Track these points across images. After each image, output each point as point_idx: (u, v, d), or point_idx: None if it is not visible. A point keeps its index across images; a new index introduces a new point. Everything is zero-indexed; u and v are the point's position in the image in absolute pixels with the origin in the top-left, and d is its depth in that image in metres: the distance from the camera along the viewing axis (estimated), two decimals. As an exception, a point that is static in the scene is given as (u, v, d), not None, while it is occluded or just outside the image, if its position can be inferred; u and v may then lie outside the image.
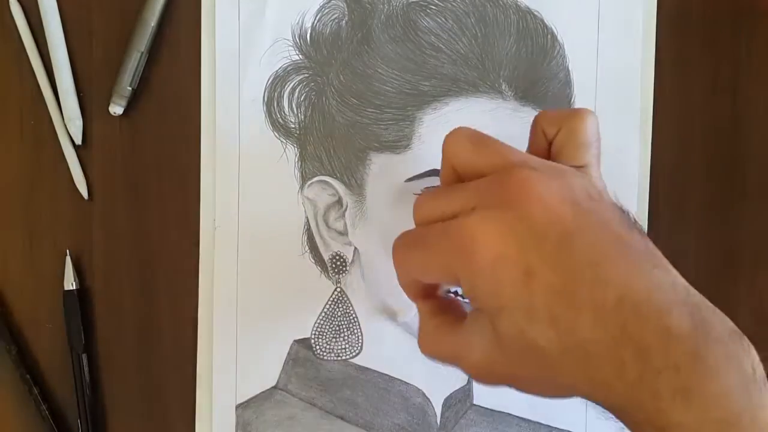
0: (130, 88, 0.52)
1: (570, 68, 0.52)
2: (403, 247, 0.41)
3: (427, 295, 0.42)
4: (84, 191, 0.53)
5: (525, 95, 0.52)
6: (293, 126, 0.52)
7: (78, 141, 0.53)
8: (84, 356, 0.53)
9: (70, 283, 0.53)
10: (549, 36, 0.52)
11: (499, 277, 0.35)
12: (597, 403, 0.36)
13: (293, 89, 0.52)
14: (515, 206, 0.36)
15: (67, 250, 0.53)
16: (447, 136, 0.41)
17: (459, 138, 0.41)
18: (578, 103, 0.52)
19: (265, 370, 0.52)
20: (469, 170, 0.39)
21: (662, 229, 0.52)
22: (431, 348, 0.42)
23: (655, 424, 0.33)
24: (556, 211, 0.35)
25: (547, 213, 0.35)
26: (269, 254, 0.52)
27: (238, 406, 0.52)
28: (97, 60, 0.53)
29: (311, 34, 0.52)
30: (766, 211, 0.54)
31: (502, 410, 0.53)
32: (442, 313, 0.41)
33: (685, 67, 0.53)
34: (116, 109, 0.52)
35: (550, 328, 0.34)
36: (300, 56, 0.52)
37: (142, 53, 0.52)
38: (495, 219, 0.36)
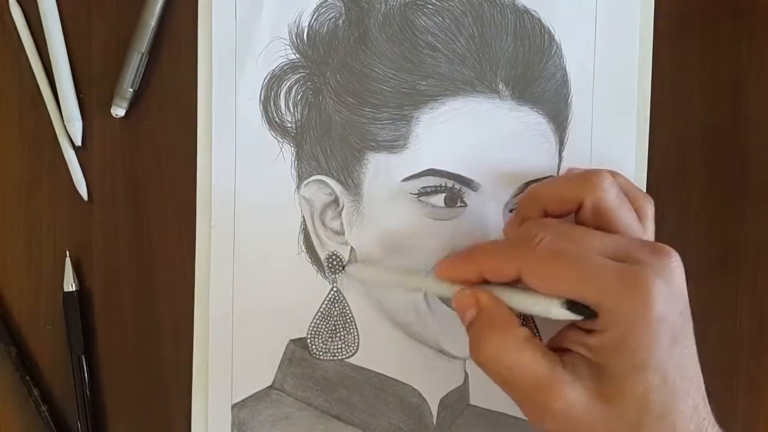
0: (131, 90, 0.52)
1: (567, 68, 0.52)
2: (555, 252, 0.42)
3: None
4: (83, 192, 0.53)
5: (522, 95, 0.51)
6: (290, 125, 0.52)
7: (78, 142, 0.53)
8: (83, 357, 0.53)
9: (69, 284, 0.53)
10: (546, 35, 0.52)
11: (657, 336, 0.39)
12: None
13: (290, 88, 0.52)
14: (674, 281, 0.40)
15: (67, 252, 0.53)
16: (595, 173, 0.45)
17: (611, 182, 0.45)
18: (575, 102, 0.52)
19: (261, 370, 0.52)
20: (606, 215, 0.44)
21: (662, 229, 0.52)
22: (512, 358, 0.42)
23: None
24: (686, 299, 0.41)
25: (686, 298, 0.41)
26: (265, 254, 0.52)
27: (233, 406, 0.52)
28: (97, 61, 0.53)
29: (308, 33, 0.52)
30: (766, 211, 0.54)
31: (498, 410, 0.53)
32: (522, 327, 0.42)
33: (685, 67, 0.53)
34: (118, 111, 0.52)
35: (670, 393, 0.40)
36: (297, 55, 0.52)
37: (143, 54, 0.52)
38: (665, 284, 0.40)
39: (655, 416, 0.40)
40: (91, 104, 0.53)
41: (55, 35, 0.52)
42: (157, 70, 0.53)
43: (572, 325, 0.43)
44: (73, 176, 0.53)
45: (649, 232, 0.47)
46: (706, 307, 0.52)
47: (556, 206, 0.45)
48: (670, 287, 0.40)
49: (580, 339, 0.42)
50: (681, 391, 0.40)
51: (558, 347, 0.43)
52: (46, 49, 0.52)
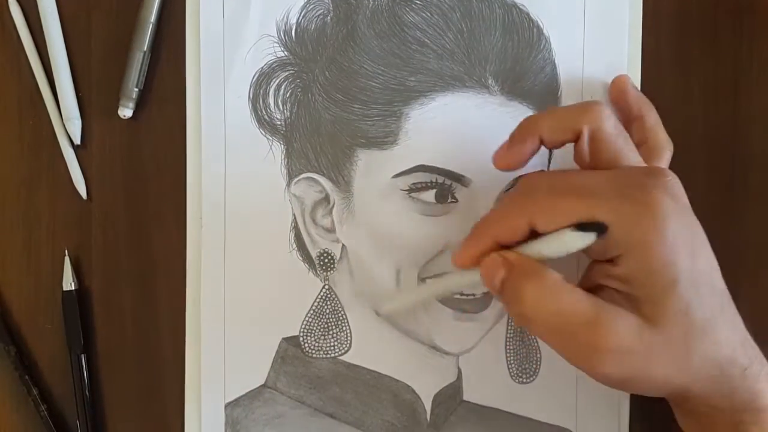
0: (136, 89, 0.52)
1: (556, 62, 0.52)
2: (558, 190, 0.42)
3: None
4: (83, 191, 0.53)
5: (512, 89, 0.51)
6: (279, 123, 0.52)
7: (77, 141, 0.53)
8: (83, 356, 0.53)
9: (68, 283, 0.53)
10: (535, 30, 0.52)
11: (677, 248, 0.40)
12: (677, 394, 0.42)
13: (279, 86, 0.52)
14: (676, 195, 0.41)
15: (66, 251, 0.53)
16: (594, 102, 0.45)
17: (610, 113, 0.44)
18: (565, 96, 0.52)
19: (253, 369, 0.52)
20: (604, 144, 0.43)
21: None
22: (553, 301, 0.41)
23: (750, 406, 0.41)
24: (691, 211, 0.42)
25: (690, 209, 0.42)
26: (257, 252, 0.52)
27: (227, 405, 0.52)
28: (96, 60, 0.53)
29: (296, 30, 0.52)
30: (766, 211, 0.53)
31: (492, 406, 0.52)
32: (555, 272, 0.42)
33: (685, 67, 0.53)
34: (125, 111, 0.52)
35: (707, 306, 0.40)
36: (285, 53, 0.52)
37: (145, 53, 0.52)
38: (670, 198, 0.40)
39: (698, 332, 0.40)
40: (91, 103, 0.53)
41: (54, 34, 0.52)
42: (157, 69, 0.53)
43: (595, 261, 0.43)
44: (72, 175, 0.53)
45: (661, 136, 0.49)
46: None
47: (553, 134, 0.45)
48: (675, 201, 0.40)
49: (607, 272, 0.42)
50: (715, 303, 0.41)
51: (590, 287, 0.43)
52: (46, 47, 0.53)
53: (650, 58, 0.53)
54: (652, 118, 0.50)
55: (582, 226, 0.40)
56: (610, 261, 0.41)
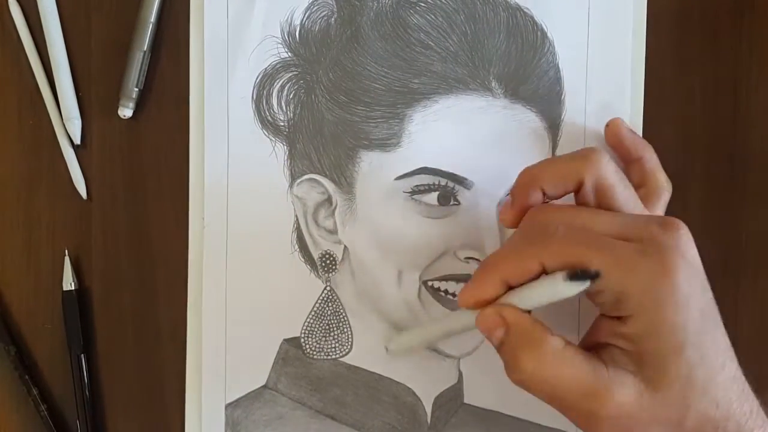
0: (136, 89, 0.52)
1: (560, 65, 0.52)
2: (574, 239, 0.41)
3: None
4: (83, 191, 0.53)
5: (515, 92, 0.51)
6: (282, 124, 0.52)
7: (77, 141, 0.53)
8: (83, 356, 0.53)
9: (68, 283, 0.53)
10: (539, 33, 0.52)
11: (688, 312, 0.39)
12: None
13: (282, 87, 0.52)
14: (689, 254, 0.41)
15: (66, 250, 0.53)
16: (593, 150, 0.44)
17: (609, 159, 0.44)
18: (568, 99, 0.52)
19: (254, 370, 0.52)
20: (607, 193, 0.43)
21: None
22: (552, 371, 0.41)
23: None
24: (701, 268, 0.42)
25: (701, 267, 0.42)
26: (258, 253, 0.52)
27: (227, 406, 0.52)
28: (96, 60, 0.53)
29: (300, 31, 0.52)
30: (766, 211, 0.53)
31: (492, 409, 0.52)
32: (555, 335, 0.41)
33: (685, 67, 0.53)
34: (125, 111, 0.52)
35: (709, 367, 0.40)
36: (289, 54, 0.52)
37: (145, 52, 0.52)
38: (684, 260, 0.40)
39: (698, 393, 0.39)
40: (91, 103, 0.53)
41: (54, 34, 0.52)
42: (156, 69, 0.53)
43: (603, 316, 0.43)
44: (72, 175, 0.53)
45: (660, 178, 0.49)
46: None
47: (555, 186, 0.44)
48: (687, 261, 0.40)
49: (614, 330, 0.41)
50: (717, 363, 0.40)
51: (594, 344, 0.43)
52: (46, 47, 0.53)
53: (651, 57, 0.53)
54: (651, 160, 0.50)
55: (574, 275, 0.40)
56: (619, 318, 0.41)
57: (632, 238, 0.41)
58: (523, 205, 0.45)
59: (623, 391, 0.40)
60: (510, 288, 0.42)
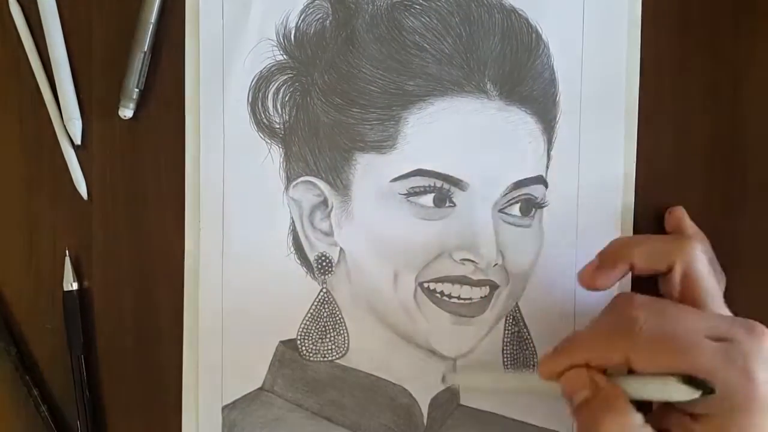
0: (137, 90, 0.52)
1: (555, 67, 0.52)
2: (659, 338, 0.42)
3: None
4: (83, 191, 0.53)
5: (510, 94, 0.51)
6: (278, 126, 0.52)
7: (77, 141, 0.53)
8: (83, 357, 0.53)
9: (69, 283, 0.53)
10: (533, 35, 0.52)
11: (763, 420, 0.40)
12: None
13: (278, 89, 0.52)
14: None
15: (67, 251, 0.53)
16: (689, 237, 0.47)
17: (703, 249, 0.45)
18: (563, 101, 0.52)
19: (251, 372, 0.52)
20: (695, 283, 0.44)
21: (663, 230, 0.52)
22: None
23: None
24: None
25: None
26: (254, 255, 0.52)
27: (224, 407, 0.52)
28: (97, 60, 0.53)
29: (295, 34, 0.52)
30: (766, 211, 0.53)
31: (488, 410, 0.52)
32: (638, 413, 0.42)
33: (684, 67, 0.53)
34: (126, 112, 0.52)
35: None
36: (284, 56, 0.52)
37: (145, 53, 0.52)
38: (765, 365, 0.41)
39: None
40: (91, 103, 0.53)
41: (54, 34, 0.53)
42: (156, 70, 0.53)
43: (673, 408, 0.43)
44: (72, 175, 0.53)
45: (718, 270, 0.50)
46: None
47: (647, 263, 0.45)
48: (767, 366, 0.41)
49: (685, 424, 0.42)
50: None
51: (659, 428, 0.43)
52: (46, 48, 0.53)
53: (650, 58, 0.53)
54: (708, 252, 0.50)
55: (690, 380, 0.40)
56: (692, 415, 0.42)
57: (717, 338, 0.41)
58: (610, 274, 0.46)
59: None
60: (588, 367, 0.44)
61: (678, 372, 0.41)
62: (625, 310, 0.44)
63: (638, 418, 0.42)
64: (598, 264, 0.47)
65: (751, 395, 0.40)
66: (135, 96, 0.52)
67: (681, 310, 0.43)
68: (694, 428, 0.42)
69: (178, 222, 0.53)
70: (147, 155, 0.53)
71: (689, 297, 0.44)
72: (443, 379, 0.52)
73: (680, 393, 0.41)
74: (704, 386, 0.40)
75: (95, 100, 0.53)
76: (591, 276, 0.47)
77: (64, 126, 0.53)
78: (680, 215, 0.51)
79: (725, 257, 0.51)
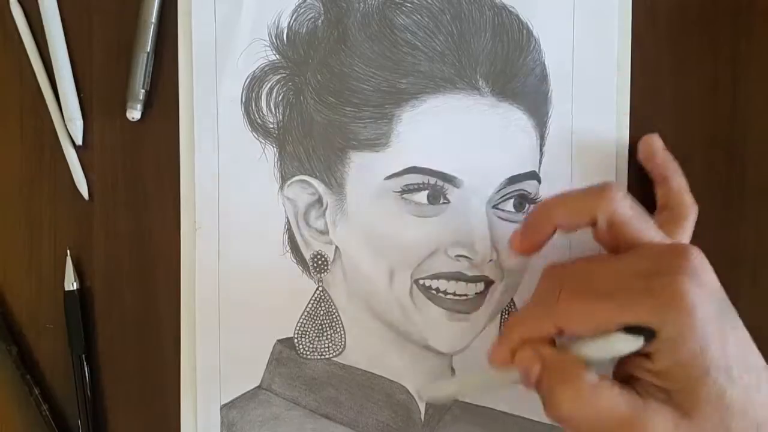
0: (143, 90, 0.52)
1: (546, 63, 0.52)
2: (583, 294, 0.41)
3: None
4: (84, 191, 0.53)
5: (502, 91, 0.52)
6: (272, 126, 0.52)
7: (78, 141, 0.53)
8: (84, 357, 0.53)
9: (70, 283, 0.53)
10: (524, 31, 0.52)
11: (707, 338, 0.39)
12: None
13: (271, 89, 0.52)
14: (701, 277, 0.40)
15: (68, 251, 0.53)
16: (607, 186, 0.44)
17: (623, 195, 0.43)
18: (555, 97, 0.52)
19: (248, 371, 0.53)
20: (622, 228, 0.43)
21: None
22: (589, 405, 0.40)
23: None
24: (720, 288, 0.41)
25: (719, 288, 0.41)
26: (250, 255, 0.52)
27: (222, 407, 0.53)
28: (98, 60, 0.53)
29: (287, 33, 0.52)
30: (766, 211, 0.53)
31: (485, 405, 0.53)
32: (590, 371, 0.41)
33: (684, 67, 0.53)
34: (134, 113, 0.52)
35: (742, 387, 0.39)
36: (277, 56, 0.52)
37: (148, 53, 0.52)
38: (696, 284, 0.39)
39: (736, 415, 0.39)
40: (92, 103, 0.53)
41: (55, 34, 0.53)
42: (156, 70, 0.53)
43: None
44: (73, 175, 0.53)
45: (686, 200, 0.49)
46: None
47: (569, 221, 0.45)
48: (701, 286, 0.40)
49: (642, 366, 0.41)
50: (752, 382, 0.40)
51: (625, 376, 0.42)
52: (47, 48, 0.53)
53: (649, 57, 0.53)
54: (677, 181, 0.50)
55: (630, 329, 0.40)
56: (645, 355, 0.41)
57: (646, 273, 0.40)
58: (536, 237, 0.46)
59: (659, 422, 0.40)
60: None
61: (615, 325, 0.40)
62: (545, 281, 0.44)
63: (591, 376, 0.41)
64: (522, 229, 0.46)
65: (684, 318, 0.39)
66: (142, 97, 0.52)
67: (596, 262, 0.43)
68: (647, 366, 0.41)
69: (178, 221, 0.53)
70: (148, 155, 0.53)
71: (622, 244, 0.43)
72: (418, 395, 0.53)
73: (626, 345, 0.40)
74: (644, 331, 0.39)
75: (96, 101, 0.53)
76: (518, 241, 0.47)
77: (66, 126, 0.53)
78: (651, 144, 0.51)
79: (725, 257, 0.51)
